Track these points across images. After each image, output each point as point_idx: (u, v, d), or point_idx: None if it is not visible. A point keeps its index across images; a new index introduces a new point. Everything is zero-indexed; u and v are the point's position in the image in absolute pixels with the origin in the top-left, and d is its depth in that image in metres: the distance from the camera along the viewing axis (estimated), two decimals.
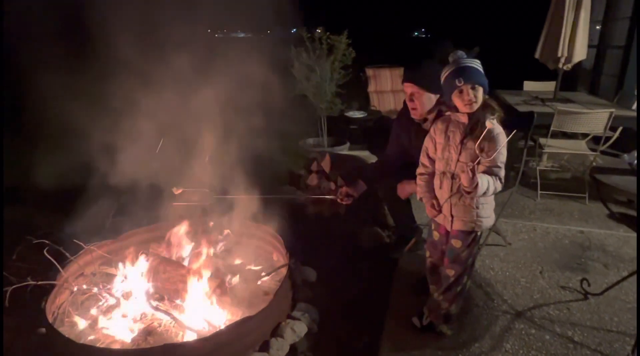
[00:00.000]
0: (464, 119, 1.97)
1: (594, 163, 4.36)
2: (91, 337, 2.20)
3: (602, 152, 4.35)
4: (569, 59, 4.73)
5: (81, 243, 2.63)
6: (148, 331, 2.24)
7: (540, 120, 3.91)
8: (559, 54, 4.69)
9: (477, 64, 1.93)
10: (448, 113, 2.07)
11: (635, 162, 4.80)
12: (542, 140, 4.32)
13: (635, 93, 5.11)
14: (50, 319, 2.16)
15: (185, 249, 2.75)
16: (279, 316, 2.34)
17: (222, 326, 2.18)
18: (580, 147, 4.43)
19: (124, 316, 2.32)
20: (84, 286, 2.54)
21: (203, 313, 2.28)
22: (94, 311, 2.42)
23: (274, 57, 2.99)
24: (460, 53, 1.96)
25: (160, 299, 2.43)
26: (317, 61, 5.04)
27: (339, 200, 2.80)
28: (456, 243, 2.12)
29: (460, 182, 1.91)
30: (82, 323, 2.29)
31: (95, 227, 2.84)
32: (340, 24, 5.18)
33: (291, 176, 4.49)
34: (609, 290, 2.59)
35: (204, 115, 2.71)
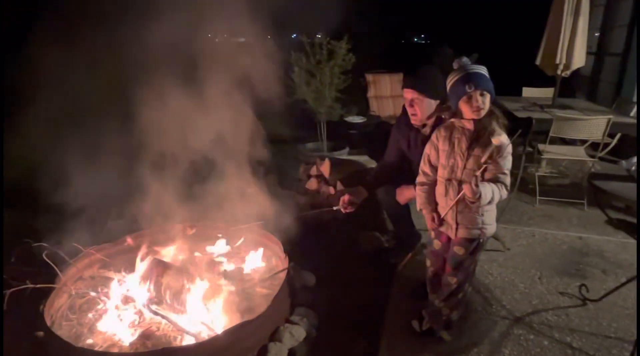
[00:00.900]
0: (470, 126, 1.97)
1: (592, 170, 4.38)
2: (89, 341, 2.19)
3: (601, 158, 4.38)
4: (567, 66, 4.76)
5: (80, 247, 2.63)
6: (146, 335, 2.24)
7: (539, 126, 3.93)
8: (558, 61, 4.72)
9: (484, 71, 1.93)
10: (451, 119, 2.05)
11: (634, 168, 4.82)
12: (540, 146, 4.34)
13: (634, 100, 5.14)
14: (48, 322, 2.15)
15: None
16: (278, 320, 2.34)
17: (221, 331, 2.18)
18: (579, 153, 4.45)
19: (122, 320, 2.31)
20: (83, 290, 2.53)
21: (201, 317, 2.27)
22: (92, 314, 2.42)
23: (274, 62, 2.99)
24: (465, 59, 1.96)
25: (159, 303, 2.43)
26: (317, 66, 5.06)
27: (342, 210, 2.81)
28: (459, 250, 2.10)
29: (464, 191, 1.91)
30: (80, 327, 2.29)
31: (94, 231, 2.83)
32: (341, 30, 5.20)
33: (290, 180, 4.50)
34: (608, 296, 2.59)
35: (202, 121, 2.73)
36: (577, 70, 5.10)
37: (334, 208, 2.89)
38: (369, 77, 6.65)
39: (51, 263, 2.41)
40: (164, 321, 2.28)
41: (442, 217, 2.09)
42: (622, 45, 6.36)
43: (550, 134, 4.06)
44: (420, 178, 2.19)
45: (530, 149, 4.33)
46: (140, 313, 2.34)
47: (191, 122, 2.72)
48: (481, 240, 2.10)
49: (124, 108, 2.55)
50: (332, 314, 2.53)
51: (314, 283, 2.80)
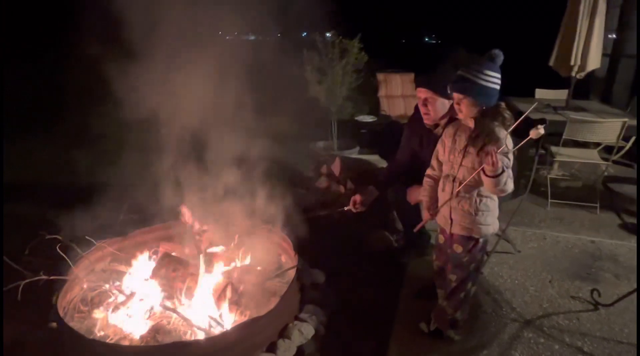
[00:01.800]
0: (471, 124, 2.00)
1: (606, 173, 4.32)
2: (101, 333, 2.22)
3: (614, 162, 4.31)
4: (582, 67, 4.69)
5: (92, 240, 2.66)
6: (156, 329, 2.26)
7: (552, 128, 3.89)
8: (572, 62, 4.66)
9: (472, 76, 1.89)
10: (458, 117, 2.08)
11: None
12: (553, 149, 4.29)
13: None
14: (61, 314, 2.18)
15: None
16: (287, 317, 2.35)
17: (230, 326, 2.19)
18: (593, 156, 4.39)
19: (133, 313, 2.34)
20: (95, 283, 2.56)
21: (211, 312, 2.29)
22: (103, 307, 2.44)
23: (285, 61, 3.00)
24: (473, 62, 1.96)
25: (169, 297, 2.45)
26: (329, 64, 5.06)
27: (353, 210, 2.80)
28: (457, 248, 2.13)
29: (460, 187, 1.98)
30: (91, 319, 2.32)
31: (107, 224, 2.87)
32: (353, 28, 5.20)
33: (301, 178, 4.51)
34: (620, 301, 2.56)
35: (214, 117, 2.74)
36: (591, 72, 5.02)
37: (345, 208, 2.89)
38: (380, 76, 6.63)
39: (64, 256, 2.44)
40: (174, 315, 2.30)
41: (437, 209, 2.14)
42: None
43: (564, 136, 4.01)
44: (428, 171, 2.24)
45: (542, 151, 4.29)
46: (151, 307, 2.36)
47: (200, 119, 2.73)
48: (480, 240, 2.09)
49: (138, 103, 2.57)
50: (340, 313, 2.53)
51: (323, 281, 2.80)
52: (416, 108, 2.69)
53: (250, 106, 2.83)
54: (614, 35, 7.04)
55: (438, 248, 2.31)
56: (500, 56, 1.93)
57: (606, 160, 4.19)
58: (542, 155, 4.27)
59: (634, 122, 4.15)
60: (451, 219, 2.10)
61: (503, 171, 1.80)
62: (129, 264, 2.69)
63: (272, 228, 2.96)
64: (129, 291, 2.46)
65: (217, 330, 2.19)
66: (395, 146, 2.98)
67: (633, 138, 4.45)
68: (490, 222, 2.07)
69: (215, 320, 2.24)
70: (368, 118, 6.17)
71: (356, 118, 6.09)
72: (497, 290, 2.77)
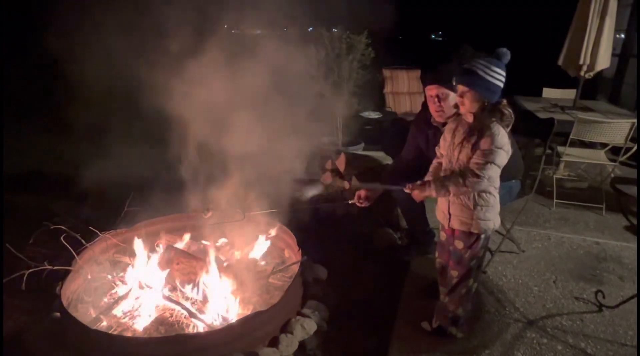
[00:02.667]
0: (470, 119, 2.00)
1: (612, 174, 4.29)
2: (103, 323, 2.23)
3: (621, 163, 4.28)
4: (591, 67, 4.66)
5: (96, 231, 2.67)
6: (159, 321, 2.27)
7: (559, 128, 3.85)
8: (581, 62, 4.62)
9: (479, 69, 1.89)
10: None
11: None
12: (560, 149, 4.26)
13: None
14: (65, 304, 2.19)
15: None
16: (289, 312, 2.35)
17: (234, 320, 2.20)
18: (600, 157, 4.36)
19: (136, 305, 2.34)
20: (98, 274, 2.57)
21: (215, 305, 2.29)
22: (106, 298, 2.45)
23: (292, 55, 2.99)
24: (480, 57, 1.95)
25: (173, 290, 2.45)
26: (336, 60, 5.03)
27: (357, 204, 2.79)
28: (458, 244, 2.12)
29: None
30: (94, 310, 2.33)
31: (111, 215, 2.87)
32: (360, 24, 5.16)
33: (305, 174, 4.49)
34: (624, 304, 2.54)
35: (220, 113, 2.73)
36: (600, 72, 4.98)
37: (349, 202, 2.88)
38: (386, 72, 6.59)
39: (68, 246, 2.45)
40: (177, 307, 2.31)
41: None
42: None
43: (571, 136, 3.98)
44: (436, 158, 2.26)
45: (549, 151, 4.25)
46: (154, 299, 2.37)
47: (212, 113, 2.72)
48: (481, 236, 2.08)
49: (147, 97, 2.57)
50: (343, 309, 2.53)
51: (326, 277, 2.80)
52: (423, 106, 2.67)
53: (256, 100, 2.82)
54: (623, 36, 6.97)
55: (440, 245, 2.31)
56: (507, 54, 1.93)
57: (613, 161, 4.16)
58: (548, 155, 4.23)
59: None
60: (449, 214, 2.10)
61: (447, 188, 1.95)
62: (132, 255, 2.69)
63: (276, 223, 2.96)
64: (132, 283, 2.47)
65: (219, 323, 2.19)
66: (401, 143, 2.96)
67: None
68: (490, 218, 2.04)
69: (218, 313, 2.25)
70: (373, 115, 6.14)
71: (361, 114, 6.07)
72: (500, 290, 2.76)
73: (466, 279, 2.17)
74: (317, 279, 2.75)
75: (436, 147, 2.24)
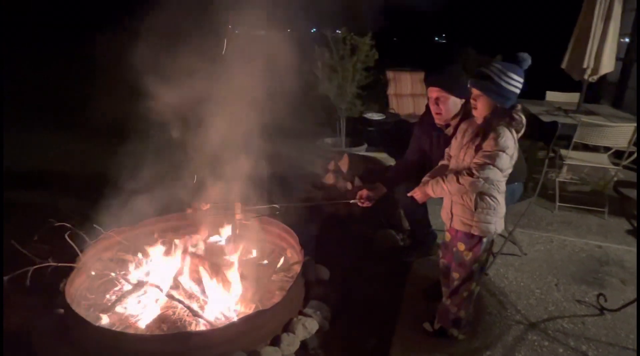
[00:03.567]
0: (479, 121, 2.01)
1: (615, 178, 4.28)
2: (106, 320, 2.24)
3: (625, 167, 4.27)
4: (595, 71, 4.65)
5: (100, 229, 2.68)
6: (162, 318, 2.28)
7: (563, 131, 3.86)
8: (585, 65, 4.62)
9: (494, 75, 1.88)
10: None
11: None
12: (563, 152, 4.26)
13: None
14: (68, 301, 2.20)
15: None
16: (291, 312, 2.35)
17: (236, 318, 2.20)
18: (603, 160, 4.35)
19: (138, 302, 2.36)
20: (102, 271, 2.58)
21: (217, 304, 2.30)
22: (109, 295, 2.47)
23: (295, 56, 3.00)
24: (497, 62, 1.96)
25: (175, 287, 2.46)
26: (340, 61, 5.04)
27: (359, 203, 2.80)
28: (460, 246, 2.13)
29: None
30: (97, 306, 2.34)
31: (115, 213, 2.89)
32: (364, 26, 5.17)
33: (309, 174, 4.50)
34: (626, 307, 2.54)
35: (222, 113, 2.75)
36: (603, 76, 4.98)
37: (351, 201, 2.89)
38: (390, 74, 6.59)
39: (72, 243, 2.46)
40: (180, 305, 2.32)
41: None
42: None
43: (574, 140, 3.98)
44: (442, 160, 2.27)
45: (552, 154, 4.25)
46: (157, 297, 2.38)
47: (210, 113, 2.74)
48: (484, 239, 2.08)
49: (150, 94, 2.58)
50: (344, 309, 2.54)
51: (328, 278, 2.81)
52: (427, 108, 2.68)
53: (259, 103, 2.83)
54: (627, 39, 6.96)
55: (444, 246, 2.31)
56: (527, 60, 1.92)
57: (616, 164, 4.16)
58: (551, 158, 4.23)
59: None
60: (452, 213, 2.11)
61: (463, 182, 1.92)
62: (136, 253, 2.70)
63: (279, 222, 2.97)
64: (135, 281, 2.48)
65: (222, 322, 2.20)
66: (404, 145, 2.97)
67: None
68: (492, 221, 2.03)
69: (220, 311, 2.26)
70: (376, 116, 6.15)
71: (364, 115, 6.08)
72: (502, 292, 2.76)
73: (468, 282, 2.17)
74: (319, 279, 2.75)
75: (446, 148, 2.24)
